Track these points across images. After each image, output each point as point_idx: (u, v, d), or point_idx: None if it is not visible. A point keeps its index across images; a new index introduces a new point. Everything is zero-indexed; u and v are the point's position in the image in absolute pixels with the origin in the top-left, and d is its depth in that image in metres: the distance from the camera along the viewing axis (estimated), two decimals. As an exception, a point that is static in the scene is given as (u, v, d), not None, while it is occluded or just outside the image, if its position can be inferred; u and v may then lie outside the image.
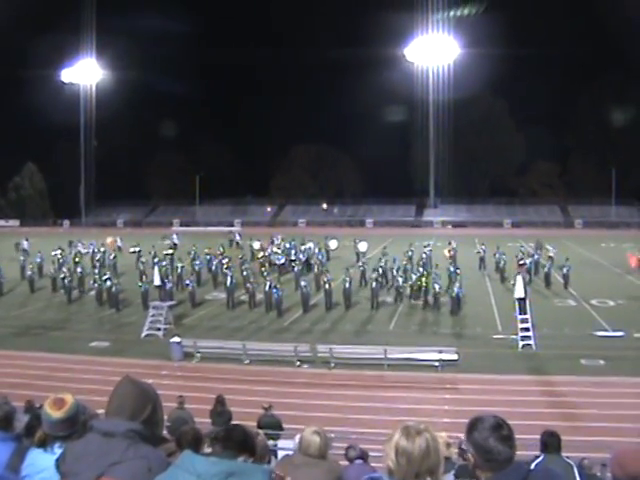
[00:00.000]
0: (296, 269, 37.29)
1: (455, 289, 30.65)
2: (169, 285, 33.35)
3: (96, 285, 34.03)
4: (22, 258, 42.12)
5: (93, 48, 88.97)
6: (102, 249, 45.97)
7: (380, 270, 34.88)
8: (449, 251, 43.34)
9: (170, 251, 45.29)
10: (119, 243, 52.83)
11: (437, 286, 31.55)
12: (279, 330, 27.97)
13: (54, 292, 37.22)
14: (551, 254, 43.07)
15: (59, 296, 36.38)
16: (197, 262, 39.85)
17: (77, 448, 3.06)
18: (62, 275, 36.23)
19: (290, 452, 7.32)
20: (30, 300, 35.83)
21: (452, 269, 35.32)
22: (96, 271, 38.18)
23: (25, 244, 50.79)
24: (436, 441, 2.68)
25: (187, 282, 34.15)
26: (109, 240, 52.02)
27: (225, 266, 36.67)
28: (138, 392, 3.13)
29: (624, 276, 40.07)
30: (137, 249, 44.46)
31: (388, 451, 2.68)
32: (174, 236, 55.35)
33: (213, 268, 39.08)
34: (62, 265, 40.26)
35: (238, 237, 55.53)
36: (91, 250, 46.92)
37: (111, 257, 44.07)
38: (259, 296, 32.45)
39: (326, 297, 32.06)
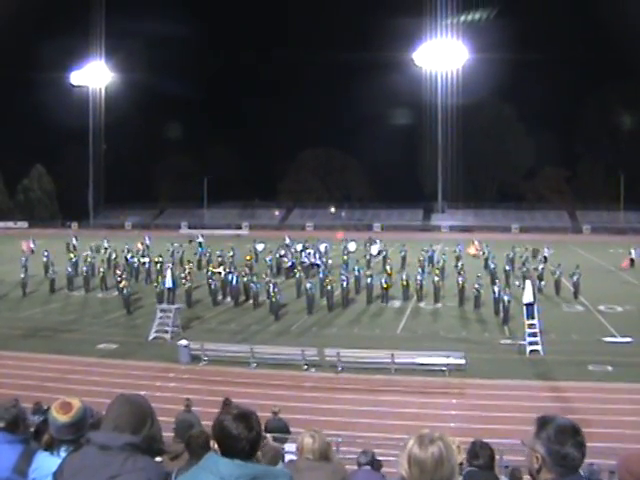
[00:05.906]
0: (298, 275, 37.10)
1: (506, 297, 29.43)
2: (188, 284, 33.77)
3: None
4: (24, 259, 41.92)
5: (102, 51, 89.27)
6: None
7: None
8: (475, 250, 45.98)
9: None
10: (32, 246, 52.50)
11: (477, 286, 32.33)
12: (283, 332, 28.00)
13: (52, 293, 37.37)
14: (546, 254, 43.14)
15: (66, 297, 36.57)
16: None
17: (74, 461, 3.03)
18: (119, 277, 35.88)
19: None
20: (34, 301, 35.86)
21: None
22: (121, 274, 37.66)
23: (74, 240, 53.49)
24: (450, 450, 2.63)
25: (210, 280, 34.67)
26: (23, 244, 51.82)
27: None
28: (135, 410, 3.08)
29: (632, 282, 39.89)
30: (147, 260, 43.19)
31: (401, 460, 2.64)
32: (199, 237, 55.27)
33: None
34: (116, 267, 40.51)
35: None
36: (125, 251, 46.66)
37: (129, 256, 44.18)
38: (262, 298, 32.82)
39: (328, 299, 32.45)
